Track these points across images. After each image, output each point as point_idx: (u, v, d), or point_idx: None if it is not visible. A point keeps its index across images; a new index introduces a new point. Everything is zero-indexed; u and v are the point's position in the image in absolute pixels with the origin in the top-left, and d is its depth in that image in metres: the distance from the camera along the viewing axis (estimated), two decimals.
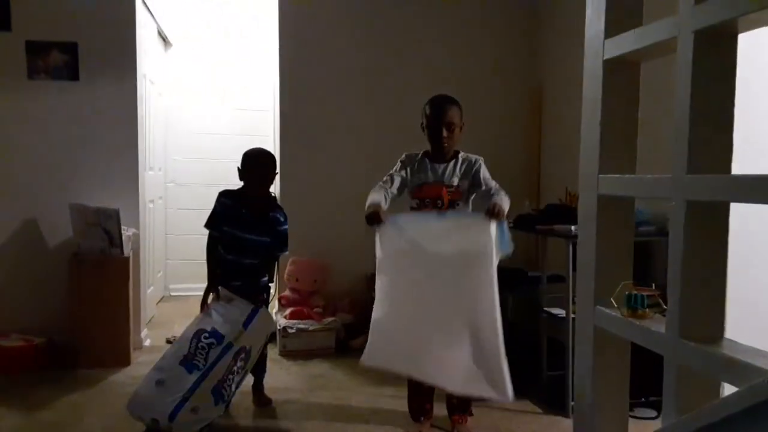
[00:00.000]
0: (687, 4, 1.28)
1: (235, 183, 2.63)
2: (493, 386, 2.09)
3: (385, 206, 2.23)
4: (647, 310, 1.52)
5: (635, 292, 1.55)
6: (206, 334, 2.42)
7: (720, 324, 1.36)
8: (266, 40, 4.61)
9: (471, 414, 2.51)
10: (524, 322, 3.25)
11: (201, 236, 2.70)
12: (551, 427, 2.54)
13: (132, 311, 3.26)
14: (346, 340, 3.53)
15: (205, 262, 2.66)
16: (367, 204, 2.22)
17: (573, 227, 2.51)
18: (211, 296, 2.62)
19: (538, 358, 2.95)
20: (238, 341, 2.43)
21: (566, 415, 2.61)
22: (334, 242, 3.79)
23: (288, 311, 3.57)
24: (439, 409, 2.52)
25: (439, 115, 2.32)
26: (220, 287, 2.59)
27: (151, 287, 4.20)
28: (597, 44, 1.60)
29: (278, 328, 3.41)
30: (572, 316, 2.42)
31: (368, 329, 2.24)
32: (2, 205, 3.33)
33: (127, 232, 3.28)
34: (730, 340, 1.33)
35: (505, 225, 2.16)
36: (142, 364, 3.10)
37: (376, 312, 2.22)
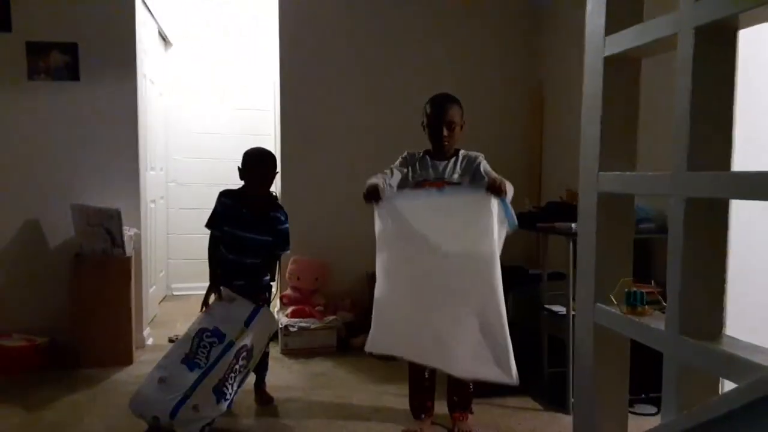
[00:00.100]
0: (687, 1, 1.28)
1: (237, 182, 2.64)
2: (498, 367, 2.07)
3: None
4: (647, 307, 1.52)
5: (635, 289, 1.55)
6: (208, 333, 2.43)
7: (719, 321, 1.36)
8: (266, 40, 4.61)
9: (471, 412, 2.52)
10: (525, 319, 3.25)
11: (203, 235, 2.71)
12: (552, 423, 2.55)
13: (134, 310, 3.27)
14: (348, 338, 3.54)
15: (206, 261, 2.66)
16: (366, 185, 2.21)
17: (573, 225, 2.51)
18: (212, 296, 2.63)
19: (538, 355, 2.96)
20: (239, 340, 2.43)
21: (567, 412, 2.62)
22: (335, 241, 3.79)
23: (289, 310, 3.58)
24: (440, 407, 2.53)
25: (439, 113, 2.32)
26: (222, 287, 2.60)
27: (153, 287, 4.21)
28: (597, 41, 1.60)
29: (280, 326, 3.41)
30: (573, 313, 2.42)
31: (370, 327, 2.24)
32: (4, 205, 3.34)
33: (128, 231, 3.28)
34: (730, 337, 1.33)
35: (507, 200, 2.13)
36: (144, 363, 3.11)
37: (378, 291, 2.21)
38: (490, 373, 2.10)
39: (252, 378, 2.69)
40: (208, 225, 2.64)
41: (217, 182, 3.75)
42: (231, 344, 2.41)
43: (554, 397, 2.75)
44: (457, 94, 2.40)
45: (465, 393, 2.48)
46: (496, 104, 4.02)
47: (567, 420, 2.55)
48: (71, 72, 3.35)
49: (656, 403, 2.56)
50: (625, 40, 1.50)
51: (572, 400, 2.44)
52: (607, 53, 1.56)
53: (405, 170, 2.39)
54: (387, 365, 3.24)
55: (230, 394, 2.39)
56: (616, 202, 1.63)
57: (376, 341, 2.23)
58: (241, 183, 2.62)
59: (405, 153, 2.45)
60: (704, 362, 1.27)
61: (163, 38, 4.68)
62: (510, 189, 2.17)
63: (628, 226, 1.67)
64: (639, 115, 1.64)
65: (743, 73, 1.33)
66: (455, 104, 2.35)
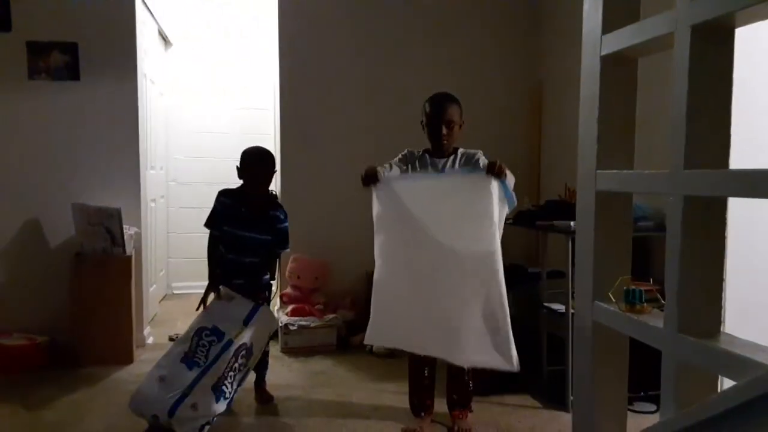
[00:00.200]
0: None
1: (237, 182, 2.64)
2: (499, 354, 2.06)
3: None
4: (645, 305, 1.52)
5: (633, 287, 1.55)
6: (207, 332, 2.43)
7: (717, 318, 1.36)
8: (266, 40, 4.61)
9: (471, 410, 2.52)
10: (524, 317, 3.25)
11: (203, 234, 2.71)
12: (551, 421, 2.55)
13: (134, 309, 3.28)
14: (347, 337, 3.55)
15: (206, 260, 2.66)
16: (365, 169, 2.22)
17: (572, 223, 2.52)
18: (211, 296, 2.64)
19: (538, 353, 2.96)
20: (238, 338, 2.44)
21: (566, 410, 2.62)
22: (335, 240, 3.80)
23: (289, 308, 3.58)
24: (440, 405, 2.53)
25: (438, 113, 2.33)
26: (221, 285, 2.61)
27: (154, 285, 4.22)
28: (594, 40, 1.60)
29: (280, 324, 3.42)
30: (572, 311, 2.43)
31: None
32: (4, 204, 3.34)
33: (128, 230, 3.29)
34: (728, 335, 1.34)
35: (507, 180, 2.11)
36: (144, 362, 3.12)
37: (377, 275, 2.20)
38: (490, 360, 2.08)
39: (252, 376, 2.69)
40: (207, 224, 2.64)
41: (217, 181, 3.75)
42: (230, 343, 2.41)
43: (553, 395, 2.75)
44: (457, 93, 2.41)
45: (465, 391, 2.48)
46: (496, 104, 4.02)
47: (566, 418, 2.56)
48: (71, 72, 3.35)
49: (655, 401, 2.56)
50: (622, 39, 1.50)
51: (571, 397, 2.45)
52: (603, 52, 1.57)
53: (404, 167, 2.40)
54: (386, 363, 3.25)
55: (230, 393, 2.39)
56: (615, 201, 1.63)
57: (375, 332, 2.22)
58: (241, 182, 2.63)
59: (405, 151, 2.45)
60: (703, 360, 1.27)
61: (163, 38, 4.69)
62: (511, 176, 2.17)
63: (627, 225, 1.67)
64: (636, 114, 1.64)
65: (740, 72, 1.33)
66: (454, 103, 2.36)
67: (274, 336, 2.85)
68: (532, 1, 4.05)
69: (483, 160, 2.34)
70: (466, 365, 2.31)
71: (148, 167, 3.83)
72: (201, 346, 2.39)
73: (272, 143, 4.20)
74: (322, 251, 3.75)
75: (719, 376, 1.43)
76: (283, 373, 3.11)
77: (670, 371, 1.35)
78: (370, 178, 2.17)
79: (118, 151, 3.44)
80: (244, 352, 2.45)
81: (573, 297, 2.24)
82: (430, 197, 2.12)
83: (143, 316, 3.57)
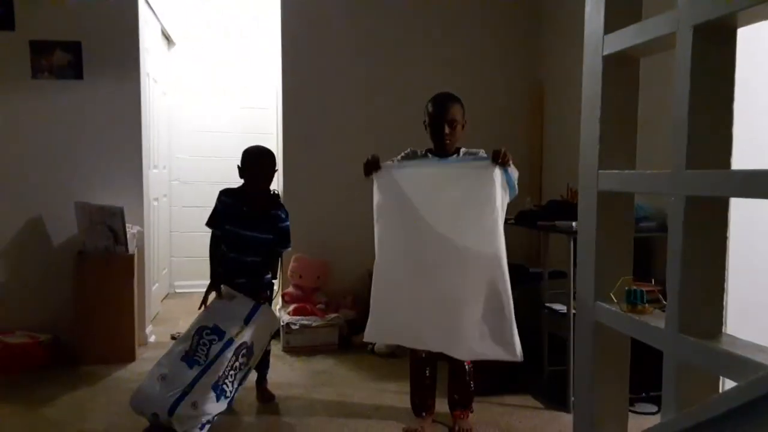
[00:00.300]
0: None
1: (239, 181, 2.65)
2: (501, 345, 2.04)
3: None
4: (647, 305, 1.52)
5: (635, 287, 1.55)
6: (208, 330, 2.44)
7: (719, 319, 1.36)
8: (267, 41, 4.61)
9: (472, 410, 2.52)
10: (526, 318, 3.25)
11: (205, 233, 2.72)
12: (552, 422, 2.55)
13: (137, 308, 3.28)
14: (349, 336, 3.55)
15: (208, 258, 2.67)
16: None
17: (574, 223, 2.51)
18: (212, 295, 2.64)
19: (539, 353, 2.96)
20: (239, 337, 2.44)
21: (567, 411, 2.62)
22: (337, 239, 3.80)
23: (291, 307, 3.59)
24: (441, 405, 2.53)
25: (441, 112, 2.33)
26: (223, 285, 2.61)
27: (156, 284, 4.22)
28: (596, 40, 1.60)
29: (282, 324, 3.42)
30: (573, 311, 2.43)
31: None
32: (8, 203, 3.35)
33: (131, 229, 3.30)
34: (730, 335, 1.33)
35: (510, 169, 2.10)
36: (146, 361, 3.12)
37: (377, 264, 2.20)
38: (493, 351, 2.06)
39: (254, 375, 2.70)
40: (209, 224, 2.65)
41: (219, 181, 3.77)
42: (230, 341, 2.42)
43: (555, 396, 2.75)
44: (458, 93, 2.41)
45: (466, 391, 2.48)
46: (497, 104, 4.02)
47: (567, 418, 2.55)
48: (74, 70, 3.36)
49: (656, 401, 2.56)
50: (624, 38, 1.50)
51: (572, 398, 2.45)
52: (605, 52, 1.56)
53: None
54: (388, 363, 3.25)
55: (230, 392, 2.40)
56: (616, 201, 1.63)
57: (374, 329, 2.21)
58: (242, 182, 2.63)
59: (408, 149, 2.46)
60: (704, 361, 1.27)
61: (166, 37, 4.70)
62: (514, 169, 2.16)
63: (628, 225, 1.67)
64: (638, 114, 1.64)
65: (742, 72, 1.33)
66: (457, 103, 2.36)
67: (275, 335, 2.85)
68: (532, 1, 4.05)
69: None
70: (467, 358, 2.30)
71: (150, 166, 3.84)
72: (201, 345, 2.39)
73: (274, 143, 4.21)
74: (324, 251, 3.76)
75: (720, 377, 1.43)
76: (285, 373, 3.12)
77: (671, 372, 1.35)
78: (371, 165, 2.16)
79: (120, 150, 3.45)
80: (244, 351, 2.45)
81: (574, 297, 2.24)
82: (432, 184, 2.11)
83: (145, 315, 3.58)
